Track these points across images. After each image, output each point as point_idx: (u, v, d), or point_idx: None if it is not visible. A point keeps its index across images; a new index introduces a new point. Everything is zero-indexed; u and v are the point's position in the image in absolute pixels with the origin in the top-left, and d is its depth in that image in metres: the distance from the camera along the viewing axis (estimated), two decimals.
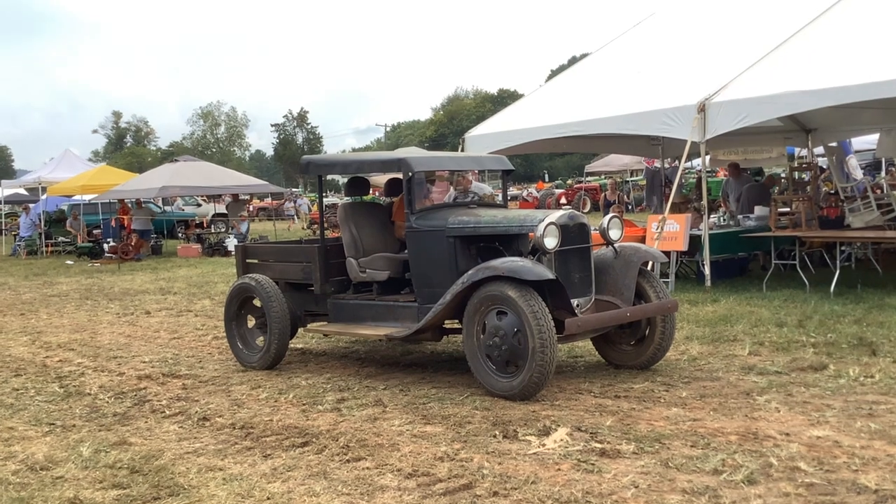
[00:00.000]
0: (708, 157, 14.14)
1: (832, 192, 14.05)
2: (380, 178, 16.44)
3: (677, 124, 10.77)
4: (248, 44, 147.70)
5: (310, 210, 37.62)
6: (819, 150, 15.93)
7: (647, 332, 6.80)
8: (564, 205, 31.81)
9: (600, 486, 4.32)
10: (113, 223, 23.69)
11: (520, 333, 5.85)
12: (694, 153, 11.08)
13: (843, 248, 10.91)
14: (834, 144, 15.14)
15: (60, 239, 25.86)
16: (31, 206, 28.22)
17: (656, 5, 15.86)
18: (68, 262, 21.79)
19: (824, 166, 17.41)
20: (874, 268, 11.60)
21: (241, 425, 5.81)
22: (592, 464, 4.63)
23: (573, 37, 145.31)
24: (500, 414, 5.65)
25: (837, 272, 10.02)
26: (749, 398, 5.80)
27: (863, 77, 9.35)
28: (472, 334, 6.20)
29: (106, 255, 21.90)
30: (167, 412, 6.34)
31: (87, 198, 26.24)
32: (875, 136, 16.06)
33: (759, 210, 12.27)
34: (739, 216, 12.39)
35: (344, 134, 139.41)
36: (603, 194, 22.44)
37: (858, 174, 15.12)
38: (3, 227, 31.30)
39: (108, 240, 23.01)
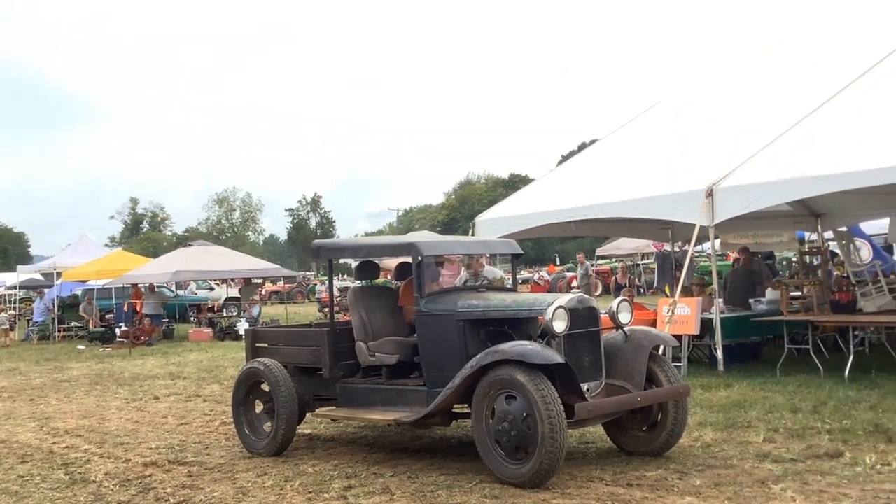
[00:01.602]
0: (718, 241, 14.18)
1: (844, 276, 13.99)
2: (390, 262, 16.53)
3: (686, 209, 10.84)
4: (264, 130, 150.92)
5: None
6: (829, 234, 15.94)
7: (659, 417, 6.71)
8: (575, 288, 31.79)
9: None
10: (126, 308, 23.79)
11: (529, 418, 5.79)
12: (703, 237, 11.12)
13: (856, 332, 10.81)
14: (844, 229, 15.15)
15: (73, 324, 25.96)
16: (45, 290, 28.44)
17: (664, 93, 16.17)
18: (80, 346, 21.81)
19: (835, 251, 17.40)
20: (888, 352, 11.45)
21: None
22: None
23: (583, 123, 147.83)
24: (510, 502, 5.54)
25: (851, 357, 9.90)
26: (764, 487, 5.68)
27: (871, 162, 9.42)
28: (481, 419, 6.13)
29: (117, 339, 21.93)
30: (172, 500, 6.25)
31: (100, 283, 26.44)
32: (885, 221, 16.07)
33: (770, 294, 12.22)
34: (751, 300, 12.32)
35: (357, 218, 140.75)
36: (614, 277, 22.49)
37: (865, 256, 15.06)
38: (18, 313, 31.48)
39: (120, 324, 23.07)
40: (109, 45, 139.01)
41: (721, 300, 11.82)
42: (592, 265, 37.03)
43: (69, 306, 27.31)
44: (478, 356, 6.18)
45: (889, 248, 23.55)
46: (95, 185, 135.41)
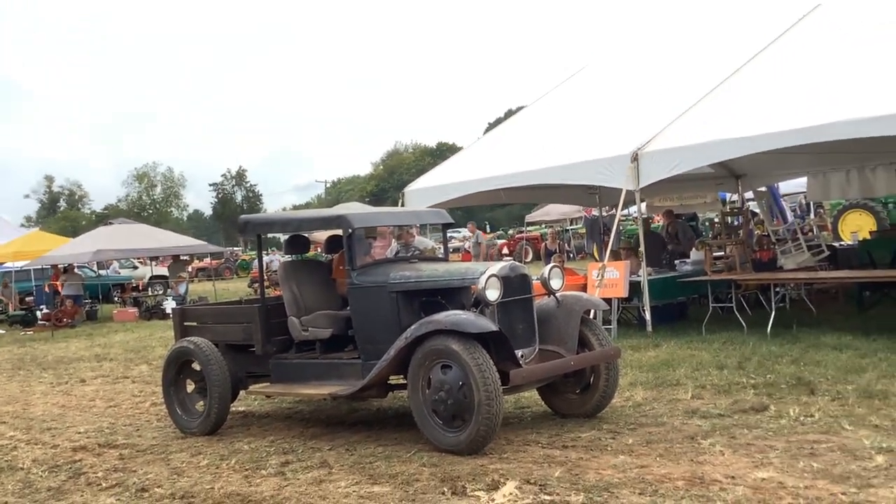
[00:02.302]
0: (644, 204, 14.45)
1: (764, 234, 14.43)
2: (320, 235, 16.37)
3: (612, 174, 10.99)
4: (183, 103, 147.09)
5: None
6: (749, 194, 16.41)
7: (591, 379, 6.83)
8: (506, 255, 32.06)
9: None
10: (46, 289, 23.05)
11: (465, 387, 5.82)
12: (630, 201, 11.30)
13: (777, 289, 11.16)
14: (763, 189, 15.61)
15: None
16: None
17: (588, 59, 16.30)
18: (0, 331, 21.10)
19: (755, 210, 17.92)
20: (808, 307, 11.89)
21: (181, 495, 5.63)
22: None
23: (509, 90, 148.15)
24: (449, 470, 5.58)
25: (773, 313, 10.23)
26: (694, 442, 5.84)
27: (789, 123, 9.68)
28: (417, 389, 6.14)
29: (39, 322, 21.28)
30: (104, 484, 6.11)
31: (18, 264, 25.52)
32: (803, 180, 16.61)
33: (694, 254, 12.52)
34: (676, 262, 12.63)
35: (284, 191, 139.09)
36: (544, 244, 22.75)
37: (788, 216, 15.60)
38: None
39: (42, 307, 22.38)
40: (20, 20, 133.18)
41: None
42: (522, 231, 37.42)
43: None
44: (412, 327, 6.17)
45: (807, 206, 24.37)
46: (4, 163, 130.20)
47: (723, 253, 12.53)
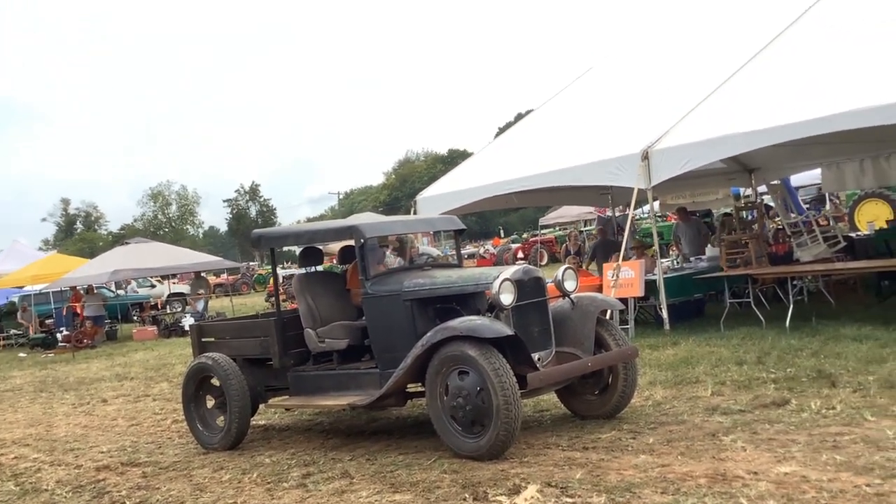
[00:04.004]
0: (657, 203, 14.40)
1: (779, 228, 14.34)
2: (334, 247, 16.41)
3: (623, 173, 10.97)
4: (195, 121, 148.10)
5: None
6: (763, 188, 16.31)
7: (610, 380, 6.81)
8: (521, 259, 32.01)
9: None
10: (65, 311, 23.23)
11: (483, 392, 5.82)
12: (642, 199, 11.26)
13: (794, 282, 11.10)
14: (776, 182, 15.51)
15: (12, 332, 25.27)
16: None
17: (595, 60, 16.29)
18: (21, 354, 21.24)
19: (770, 204, 17.80)
20: (826, 300, 11.80)
21: None
22: None
23: (518, 94, 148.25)
24: (469, 476, 5.57)
25: (791, 306, 10.16)
26: (715, 439, 5.81)
27: (800, 115, 9.62)
28: (435, 396, 6.14)
29: (60, 344, 21.43)
30: (127, 503, 6.15)
31: (37, 287, 25.75)
32: (817, 171, 16.50)
33: (710, 251, 12.46)
34: (692, 258, 12.58)
35: (298, 204, 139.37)
36: (565, 245, 22.76)
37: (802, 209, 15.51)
38: None
39: (62, 329, 22.54)
40: (30, 42, 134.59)
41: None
42: (536, 235, 37.36)
43: (6, 314, 26.58)
44: (428, 334, 6.17)
45: (822, 199, 24.20)
46: (21, 187, 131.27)
47: (738, 248, 12.46)
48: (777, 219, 15.75)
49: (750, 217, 14.13)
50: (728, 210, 15.12)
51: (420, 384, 6.49)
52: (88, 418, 10.25)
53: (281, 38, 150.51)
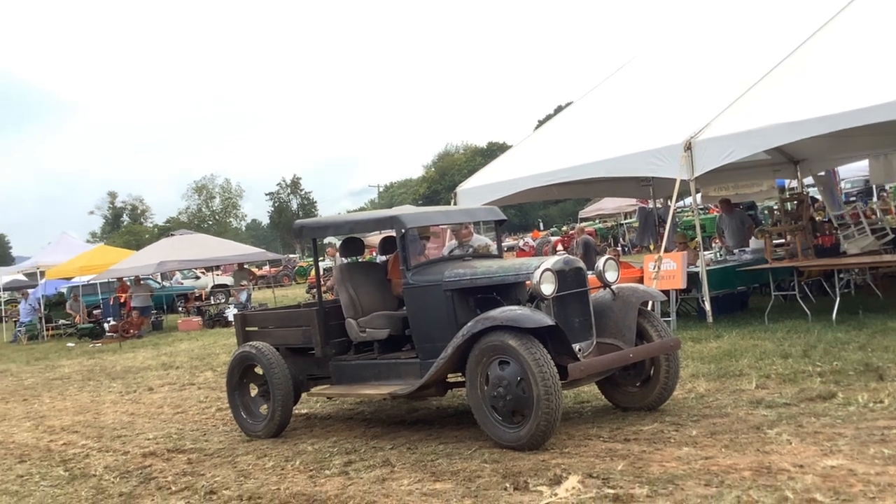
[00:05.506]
0: (699, 195, 14.23)
1: (825, 220, 14.09)
2: (374, 239, 16.50)
3: (665, 164, 10.85)
4: (237, 115, 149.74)
5: None
6: (808, 180, 16.04)
7: (651, 372, 6.76)
8: (561, 251, 31.87)
9: None
10: (112, 302, 23.68)
11: (523, 382, 5.81)
12: (684, 191, 11.13)
13: (841, 275, 10.90)
14: (822, 174, 15.24)
15: (61, 322, 25.84)
16: (29, 291, 28.24)
17: (636, 50, 16.12)
18: (69, 344, 21.71)
19: (816, 196, 17.50)
20: (874, 293, 11.58)
21: (248, 496, 5.73)
22: None
23: (558, 86, 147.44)
24: (510, 465, 5.58)
25: (838, 299, 9.99)
26: (760, 432, 5.74)
27: (846, 105, 9.43)
28: (475, 386, 6.15)
29: (107, 334, 21.86)
30: (173, 488, 6.25)
31: (85, 279, 26.27)
32: (865, 163, 16.18)
33: (754, 243, 12.28)
34: (735, 250, 12.41)
35: (338, 197, 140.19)
36: (611, 237, 22.68)
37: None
38: (3, 314, 31.27)
39: (109, 319, 22.98)
40: (73, 37, 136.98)
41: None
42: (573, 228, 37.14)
43: (55, 304, 27.16)
44: (468, 324, 6.18)
45: (869, 191, 23.74)
46: (70, 181, 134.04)
47: (784, 240, 12.27)
48: (823, 211, 15.48)
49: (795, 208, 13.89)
50: (773, 202, 14.90)
51: (460, 374, 6.51)
52: (135, 406, 10.44)
53: (322, 32, 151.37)
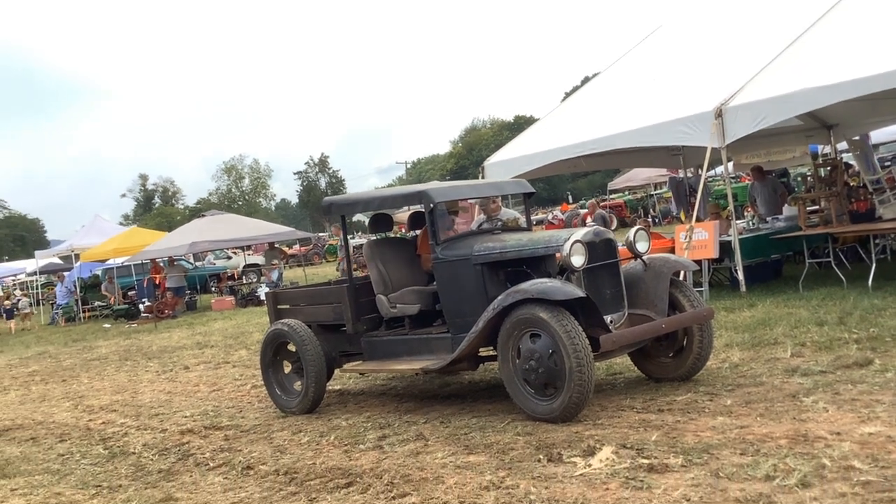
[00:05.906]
0: (731, 163, 14.03)
1: (860, 185, 13.84)
2: (403, 216, 16.51)
3: (696, 132, 10.70)
4: (264, 95, 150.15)
5: None
6: (842, 145, 15.75)
7: (684, 342, 6.71)
8: (590, 224, 31.67)
9: (651, 502, 4.24)
10: (146, 283, 23.98)
11: (555, 355, 5.80)
12: (716, 160, 10.97)
13: (877, 240, 10.72)
14: (857, 138, 14.95)
15: (97, 303, 26.24)
16: (65, 274, 28.69)
17: (664, 17, 15.88)
18: (106, 325, 22.06)
19: (850, 162, 17.19)
20: None
21: (284, 471, 5.80)
22: (641, 480, 4.54)
23: (584, 57, 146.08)
24: (543, 437, 5.58)
25: (874, 265, 9.84)
26: (796, 400, 5.68)
27: (879, 67, 9.23)
28: (507, 360, 6.15)
29: (142, 315, 22.15)
30: (211, 464, 6.35)
31: (119, 261, 26.61)
32: None
33: (787, 210, 12.11)
34: (768, 218, 12.25)
35: (366, 174, 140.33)
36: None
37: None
38: (41, 297, 31.82)
39: (143, 300, 23.28)
40: (101, 21, 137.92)
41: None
42: (605, 199, 36.91)
43: (91, 286, 27.57)
44: (499, 298, 6.16)
45: None
46: (102, 164, 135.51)
47: (817, 207, 12.08)
48: (857, 177, 15.20)
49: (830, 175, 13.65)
50: (807, 169, 14.66)
51: (492, 348, 6.51)
52: (172, 385, 10.59)
53: (348, 8, 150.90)
